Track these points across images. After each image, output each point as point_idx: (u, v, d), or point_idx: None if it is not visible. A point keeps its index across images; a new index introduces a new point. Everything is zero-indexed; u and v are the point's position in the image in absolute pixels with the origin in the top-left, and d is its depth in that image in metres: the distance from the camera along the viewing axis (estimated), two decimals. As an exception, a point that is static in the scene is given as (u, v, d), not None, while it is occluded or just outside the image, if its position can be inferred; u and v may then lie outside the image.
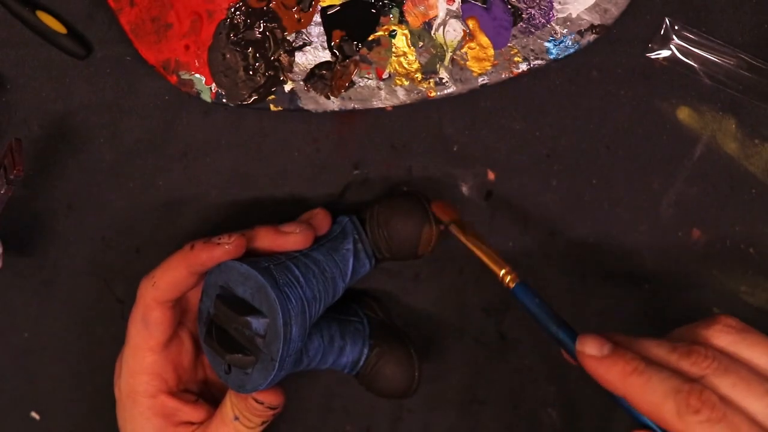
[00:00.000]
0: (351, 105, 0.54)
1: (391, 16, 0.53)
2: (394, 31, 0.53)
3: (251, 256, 0.51)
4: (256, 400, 0.50)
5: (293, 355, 0.48)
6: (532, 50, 0.53)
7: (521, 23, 0.52)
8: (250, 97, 0.54)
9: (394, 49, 0.53)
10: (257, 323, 0.48)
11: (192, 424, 0.53)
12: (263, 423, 0.51)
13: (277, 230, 0.51)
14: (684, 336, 0.46)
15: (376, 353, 0.54)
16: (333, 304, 0.53)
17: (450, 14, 0.53)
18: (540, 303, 0.48)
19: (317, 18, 0.53)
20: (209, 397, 0.55)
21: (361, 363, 0.54)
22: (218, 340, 0.49)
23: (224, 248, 0.50)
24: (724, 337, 0.45)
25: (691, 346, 0.44)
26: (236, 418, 0.51)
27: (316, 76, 0.53)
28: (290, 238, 0.51)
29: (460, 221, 0.52)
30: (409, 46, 0.53)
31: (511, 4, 0.52)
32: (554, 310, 0.48)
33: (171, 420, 0.52)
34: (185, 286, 0.51)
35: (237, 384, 0.49)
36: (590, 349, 0.45)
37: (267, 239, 0.51)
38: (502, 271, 0.49)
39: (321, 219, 0.53)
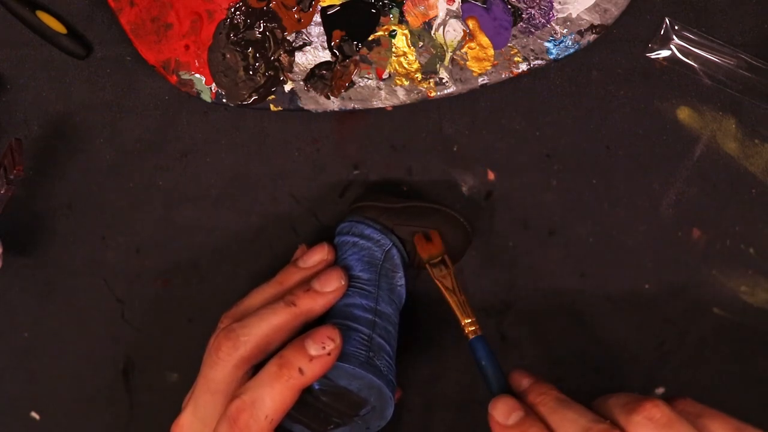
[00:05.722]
0: (351, 105, 0.54)
1: (391, 16, 0.53)
2: (394, 31, 0.53)
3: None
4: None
5: None
6: (532, 50, 0.53)
7: (521, 23, 0.52)
8: (250, 97, 0.54)
9: (394, 49, 0.53)
10: (365, 411, 0.49)
11: None
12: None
13: (315, 296, 0.49)
14: (609, 409, 0.44)
15: (409, 241, 0.53)
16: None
17: (450, 14, 0.53)
18: (491, 360, 0.48)
19: (317, 18, 0.53)
20: None
21: (406, 255, 0.53)
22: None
23: (331, 357, 0.47)
24: (642, 429, 0.42)
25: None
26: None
27: (316, 76, 0.53)
28: (332, 296, 0.50)
29: (439, 257, 0.52)
30: (409, 46, 0.53)
31: (511, 4, 0.52)
32: (501, 371, 0.48)
33: None
34: (292, 403, 0.47)
35: None
36: (498, 415, 0.45)
37: (314, 306, 0.50)
38: (466, 321, 0.49)
39: (327, 273, 0.51)
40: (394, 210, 0.54)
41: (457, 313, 0.50)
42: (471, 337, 0.49)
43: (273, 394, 0.46)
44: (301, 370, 0.46)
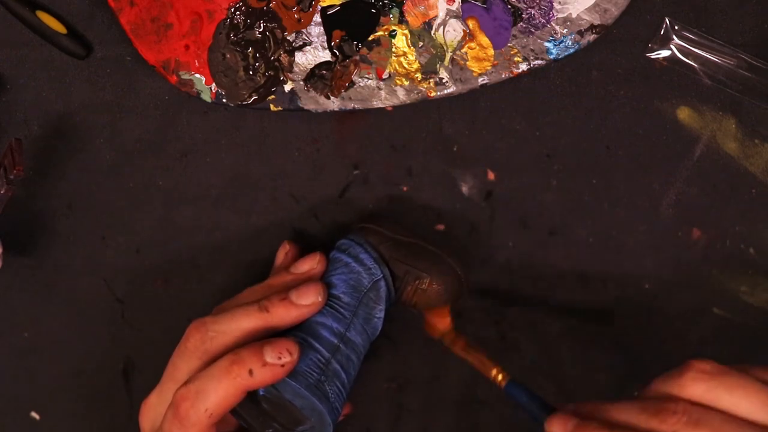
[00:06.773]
0: (351, 105, 0.54)
1: (391, 16, 0.53)
2: (394, 31, 0.53)
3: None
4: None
5: None
6: (532, 50, 0.53)
7: (521, 23, 0.52)
8: (250, 97, 0.54)
9: (394, 49, 0.53)
10: (304, 428, 0.48)
11: None
12: None
13: (289, 306, 0.49)
14: (657, 389, 0.44)
15: (406, 277, 0.53)
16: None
17: (450, 14, 0.53)
18: (531, 395, 0.50)
19: (317, 18, 0.53)
20: None
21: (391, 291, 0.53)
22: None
23: (284, 369, 0.46)
24: (697, 385, 0.43)
25: (660, 404, 0.43)
26: None
27: (316, 76, 0.53)
28: (306, 310, 0.50)
29: (450, 332, 0.54)
30: (409, 46, 0.53)
31: (511, 4, 0.52)
32: (545, 402, 0.50)
33: None
34: (236, 402, 0.47)
35: None
36: (556, 429, 0.46)
37: (286, 317, 0.49)
38: (493, 371, 0.52)
39: (306, 287, 0.50)
40: (396, 242, 0.53)
41: (482, 371, 0.52)
42: (503, 384, 0.51)
43: (218, 389, 0.46)
44: (251, 372, 0.46)
